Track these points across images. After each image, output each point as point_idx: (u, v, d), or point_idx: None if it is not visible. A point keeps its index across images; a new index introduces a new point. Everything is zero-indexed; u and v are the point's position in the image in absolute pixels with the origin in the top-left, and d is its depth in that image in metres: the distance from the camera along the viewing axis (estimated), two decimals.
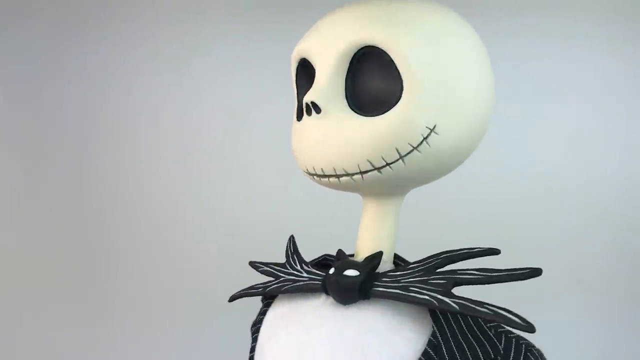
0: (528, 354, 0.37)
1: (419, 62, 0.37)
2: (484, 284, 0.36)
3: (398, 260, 0.45)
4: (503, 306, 0.34)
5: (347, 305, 0.41)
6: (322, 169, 0.40)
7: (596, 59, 0.90)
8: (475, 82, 0.39)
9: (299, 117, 0.43)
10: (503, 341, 0.37)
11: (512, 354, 0.37)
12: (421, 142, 0.38)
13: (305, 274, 0.44)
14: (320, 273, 0.43)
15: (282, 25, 0.79)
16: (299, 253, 0.48)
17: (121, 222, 0.94)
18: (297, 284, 0.44)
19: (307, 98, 0.38)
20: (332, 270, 0.41)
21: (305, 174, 0.43)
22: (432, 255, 0.40)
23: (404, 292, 0.38)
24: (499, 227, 0.90)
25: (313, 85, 0.39)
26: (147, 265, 0.95)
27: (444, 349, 0.37)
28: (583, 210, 0.90)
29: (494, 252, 0.38)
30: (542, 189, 0.90)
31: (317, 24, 0.42)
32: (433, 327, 0.38)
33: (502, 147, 0.87)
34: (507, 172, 0.91)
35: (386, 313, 0.39)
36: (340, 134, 0.38)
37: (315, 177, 0.41)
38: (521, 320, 0.33)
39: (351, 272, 0.40)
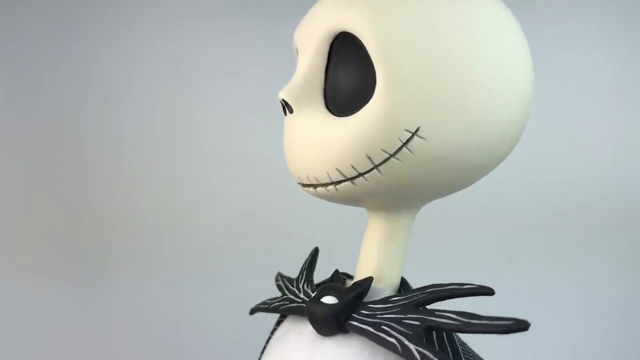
0: None
1: (396, 50, 0.30)
2: (458, 332, 0.28)
3: (404, 288, 0.38)
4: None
5: (327, 337, 0.35)
6: (298, 176, 0.35)
7: (597, 56, 0.83)
8: (482, 76, 0.30)
9: None
10: None
11: None
12: (400, 148, 0.30)
13: (302, 295, 0.40)
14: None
15: (283, 22, 0.75)
16: (311, 269, 0.43)
17: (120, 221, 0.94)
18: (291, 305, 0.39)
19: (279, 95, 0.34)
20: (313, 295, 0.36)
21: None
22: (418, 289, 0.32)
23: (374, 331, 0.31)
24: (496, 228, 0.84)
25: (290, 81, 0.35)
26: (147, 262, 0.94)
27: None
28: (583, 209, 0.84)
29: (486, 291, 0.29)
30: (542, 189, 0.84)
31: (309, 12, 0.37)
32: None
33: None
34: (506, 173, 0.79)
35: (362, 351, 0.33)
36: (310, 137, 0.33)
37: (300, 185, 0.37)
38: None
39: (329, 300, 0.34)
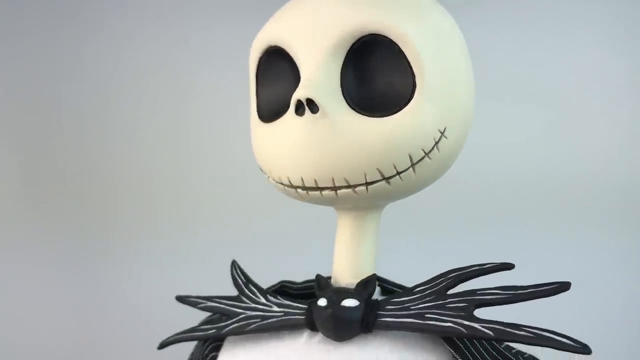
0: None
1: (430, 56, 0.32)
2: (509, 303, 0.33)
3: (382, 282, 0.39)
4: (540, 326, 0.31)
5: (341, 343, 0.34)
6: (315, 180, 0.33)
7: (597, 53, 0.83)
8: (467, 78, 0.36)
9: (270, 117, 0.35)
10: None
11: None
12: (433, 148, 0.33)
13: (276, 307, 0.37)
14: (300, 305, 0.36)
15: None
16: (255, 282, 0.40)
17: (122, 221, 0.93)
18: (270, 320, 0.36)
19: (301, 94, 0.31)
20: (322, 302, 0.34)
21: (281, 186, 0.35)
22: (438, 276, 0.35)
23: (420, 321, 0.33)
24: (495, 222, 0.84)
25: (303, 79, 0.32)
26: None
27: None
28: (582, 205, 0.84)
29: (508, 266, 0.35)
30: (541, 186, 0.85)
31: (293, 5, 0.35)
32: (455, 356, 0.33)
33: (499, 144, 0.83)
34: (507, 170, 0.85)
35: (395, 346, 0.34)
36: (345, 137, 0.32)
37: (298, 189, 0.34)
38: (573, 342, 0.30)
39: (351, 303, 0.34)
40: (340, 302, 0.34)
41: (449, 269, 0.35)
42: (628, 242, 0.82)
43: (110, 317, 0.93)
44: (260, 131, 0.36)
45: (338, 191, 0.33)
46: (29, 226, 0.94)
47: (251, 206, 0.88)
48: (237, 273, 0.40)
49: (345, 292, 0.34)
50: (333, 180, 0.32)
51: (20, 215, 0.94)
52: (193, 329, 0.39)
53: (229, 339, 0.39)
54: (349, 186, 0.33)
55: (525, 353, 0.36)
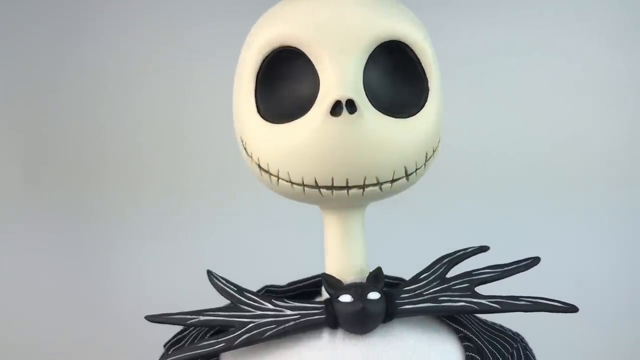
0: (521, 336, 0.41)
1: (434, 62, 0.37)
2: (500, 279, 0.38)
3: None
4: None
5: (364, 335, 0.36)
6: (347, 179, 0.34)
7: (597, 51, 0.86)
8: None
9: (282, 118, 0.35)
10: (506, 330, 0.40)
11: (522, 340, 0.40)
12: (437, 146, 0.37)
13: (289, 311, 0.36)
14: (316, 305, 0.36)
15: None
16: (248, 289, 0.38)
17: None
18: (288, 324, 0.35)
19: (341, 95, 0.32)
20: (346, 298, 0.35)
21: (298, 187, 0.35)
22: (434, 263, 0.39)
23: (436, 304, 0.36)
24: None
25: (336, 81, 0.33)
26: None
27: (485, 349, 0.37)
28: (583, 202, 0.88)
29: (484, 249, 0.40)
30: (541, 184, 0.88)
31: (303, 5, 0.35)
32: (464, 332, 0.37)
33: (500, 144, 0.86)
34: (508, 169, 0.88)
35: (412, 329, 0.37)
36: (378, 138, 0.33)
37: (322, 189, 0.34)
38: (562, 304, 0.37)
39: (375, 295, 0.35)
40: (366, 296, 0.35)
41: (440, 256, 0.39)
42: (613, 227, 0.88)
43: (107, 310, 0.94)
44: (270, 131, 0.35)
45: (366, 189, 0.34)
46: (26, 217, 0.95)
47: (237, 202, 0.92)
48: (223, 282, 0.38)
49: (366, 287, 0.36)
50: (365, 179, 0.34)
51: (19, 208, 0.95)
52: (192, 347, 0.36)
53: (227, 354, 0.37)
54: (377, 184, 0.34)
55: (496, 323, 0.42)
